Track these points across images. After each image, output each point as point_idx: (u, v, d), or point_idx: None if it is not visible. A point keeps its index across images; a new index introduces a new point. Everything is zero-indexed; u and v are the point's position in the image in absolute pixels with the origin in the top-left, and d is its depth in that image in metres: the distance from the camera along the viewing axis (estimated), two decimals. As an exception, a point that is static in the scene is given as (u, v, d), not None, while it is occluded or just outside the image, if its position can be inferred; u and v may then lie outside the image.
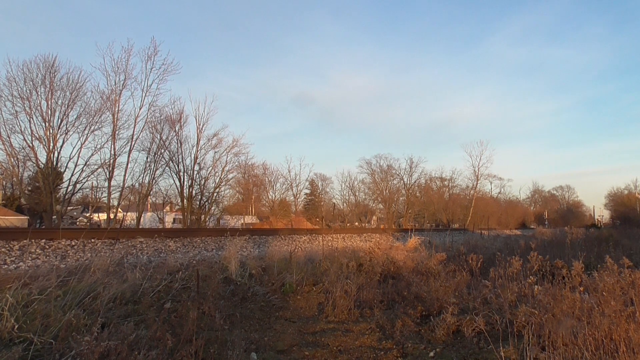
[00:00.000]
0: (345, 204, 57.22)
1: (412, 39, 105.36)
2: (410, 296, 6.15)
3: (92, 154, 22.69)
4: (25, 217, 31.05)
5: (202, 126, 27.87)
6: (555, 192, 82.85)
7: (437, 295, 5.70)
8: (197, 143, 27.64)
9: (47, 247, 9.19)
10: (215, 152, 28.61)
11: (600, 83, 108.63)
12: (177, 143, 26.39)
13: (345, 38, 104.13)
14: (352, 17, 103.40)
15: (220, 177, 29.37)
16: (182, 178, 26.73)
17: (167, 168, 26.19)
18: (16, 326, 3.74)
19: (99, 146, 22.65)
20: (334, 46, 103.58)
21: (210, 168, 28.54)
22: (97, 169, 22.94)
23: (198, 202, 27.82)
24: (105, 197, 24.10)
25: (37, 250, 8.80)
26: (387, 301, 6.16)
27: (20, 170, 22.78)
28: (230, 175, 31.23)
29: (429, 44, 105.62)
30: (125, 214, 27.36)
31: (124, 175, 23.63)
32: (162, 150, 25.39)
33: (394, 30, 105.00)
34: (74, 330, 3.75)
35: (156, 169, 25.33)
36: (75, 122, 22.12)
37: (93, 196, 26.61)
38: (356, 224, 53.75)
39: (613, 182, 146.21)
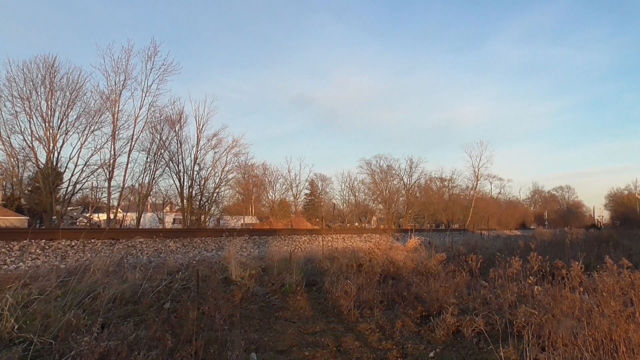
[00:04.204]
0: (345, 205, 57.30)
1: (414, 40, 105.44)
2: (410, 296, 6.15)
3: (92, 154, 22.73)
4: (25, 217, 31.04)
5: (202, 126, 27.92)
6: (555, 192, 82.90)
7: (437, 296, 5.70)
8: (197, 143, 27.69)
9: (47, 247, 9.19)
10: (215, 153, 28.65)
11: (602, 83, 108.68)
12: (177, 143, 26.43)
13: (347, 39, 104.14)
14: (355, 18, 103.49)
15: (220, 178, 29.41)
16: (182, 178, 26.76)
17: (167, 168, 26.23)
18: (16, 326, 3.74)
19: (98, 146, 22.69)
20: (336, 47, 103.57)
21: (210, 168, 28.58)
22: (97, 169, 22.96)
23: (198, 203, 27.82)
24: (105, 197, 24.14)
25: (37, 251, 8.80)
26: (387, 301, 6.16)
27: (20, 170, 22.77)
28: (230, 176, 31.26)
29: (431, 45, 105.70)
30: (125, 214, 27.36)
31: (124, 176, 23.67)
32: (162, 151, 25.42)
33: (396, 31, 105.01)
34: (74, 331, 3.75)
35: (156, 169, 25.37)
36: (75, 122, 22.15)
37: (93, 196, 26.62)
38: (356, 224, 53.77)
39: (613, 182, 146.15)
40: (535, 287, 5.27)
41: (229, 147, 29.16)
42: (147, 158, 24.84)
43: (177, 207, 34.91)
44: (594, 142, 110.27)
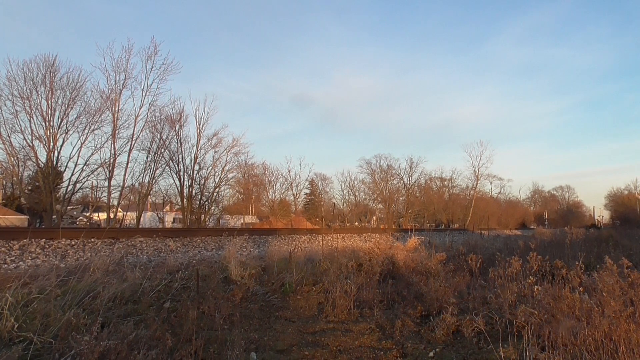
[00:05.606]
0: (345, 204, 57.28)
1: (414, 40, 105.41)
2: (410, 296, 6.15)
3: (92, 154, 22.76)
4: (25, 216, 31.04)
5: (202, 126, 27.93)
6: (555, 192, 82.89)
7: (437, 295, 5.70)
8: (197, 143, 27.70)
9: (47, 246, 9.19)
10: (215, 152, 28.66)
11: (602, 83, 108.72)
12: (177, 143, 26.43)
13: (347, 39, 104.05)
14: (355, 18, 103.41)
15: (220, 177, 29.42)
16: (182, 178, 26.76)
17: (167, 168, 26.22)
18: (16, 325, 3.74)
19: (99, 146, 22.72)
20: (337, 47, 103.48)
21: (210, 168, 28.58)
22: (97, 168, 22.98)
23: (198, 202, 27.83)
24: (105, 196, 24.14)
25: (37, 250, 8.80)
26: (386, 301, 6.15)
27: (21, 169, 22.80)
28: (230, 175, 31.26)
29: (431, 45, 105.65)
30: (125, 213, 27.37)
31: (124, 175, 23.67)
32: (162, 150, 25.41)
33: (397, 31, 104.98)
34: (74, 330, 3.75)
35: (156, 169, 25.36)
36: (75, 121, 22.19)
37: (93, 196, 26.63)
38: (356, 224, 53.75)
39: (613, 182, 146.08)
40: (535, 287, 5.27)
41: (229, 147, 29.20)
42: (147, 157, 24.87)
43: (177, 207, 34.89)
44: (594, 142, 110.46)
